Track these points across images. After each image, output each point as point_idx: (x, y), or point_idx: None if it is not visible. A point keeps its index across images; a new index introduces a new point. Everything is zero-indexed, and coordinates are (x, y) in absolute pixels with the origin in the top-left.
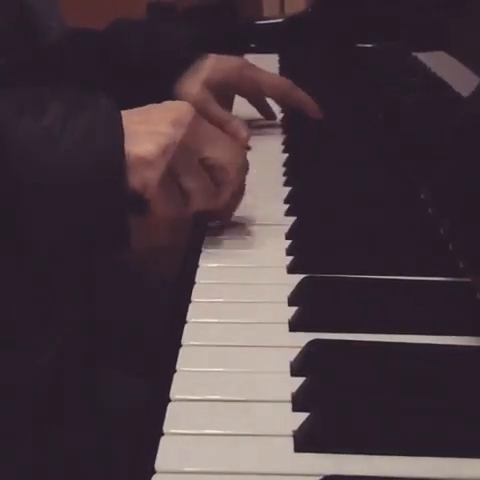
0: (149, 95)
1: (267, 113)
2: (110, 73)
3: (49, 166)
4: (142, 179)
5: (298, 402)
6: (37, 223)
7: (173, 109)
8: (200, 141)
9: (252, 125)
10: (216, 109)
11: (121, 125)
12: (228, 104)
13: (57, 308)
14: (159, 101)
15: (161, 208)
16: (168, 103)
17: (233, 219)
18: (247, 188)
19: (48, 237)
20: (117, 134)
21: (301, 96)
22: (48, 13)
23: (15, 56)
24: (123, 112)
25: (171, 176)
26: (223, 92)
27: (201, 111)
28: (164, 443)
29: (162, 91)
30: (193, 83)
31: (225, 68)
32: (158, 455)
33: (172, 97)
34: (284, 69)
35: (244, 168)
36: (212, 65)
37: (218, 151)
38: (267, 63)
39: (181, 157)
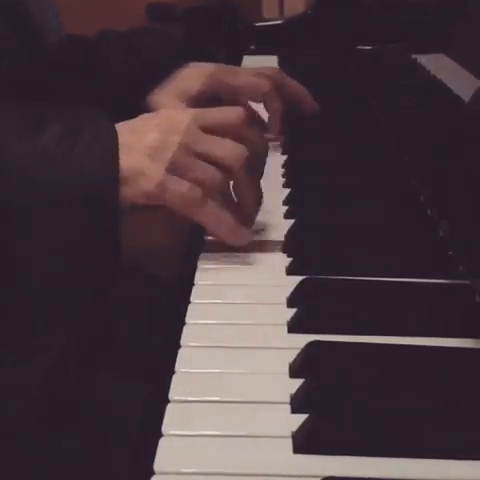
0: (121, 107)
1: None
2: (86, 81)
3: (41, 188)
4: (138, 191)
5: (297, 403)
6: (24, 243)
7: (167, 118)
8: (200, 141)
9: None
10: None
11: (117, 154)
12: None
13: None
14: (130, 112)
15: (178, 204)
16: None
17: None
18: None
19: (37, 255)
20: (112, 165)
21: (277, 106)
22: (47, 13)
23: (15, 58)
24: (120, 128)
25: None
26: (202, 102)
27: None
28: (163, 444)
29: (134, 103)
30: (166, 95)
31: (199, 76)
32: (157, 456)
33: (144, 109)
34: (283, 71)
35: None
36: (185, 75)
37: (219, 150)
38: (266, 65)
39: (181, 157)
